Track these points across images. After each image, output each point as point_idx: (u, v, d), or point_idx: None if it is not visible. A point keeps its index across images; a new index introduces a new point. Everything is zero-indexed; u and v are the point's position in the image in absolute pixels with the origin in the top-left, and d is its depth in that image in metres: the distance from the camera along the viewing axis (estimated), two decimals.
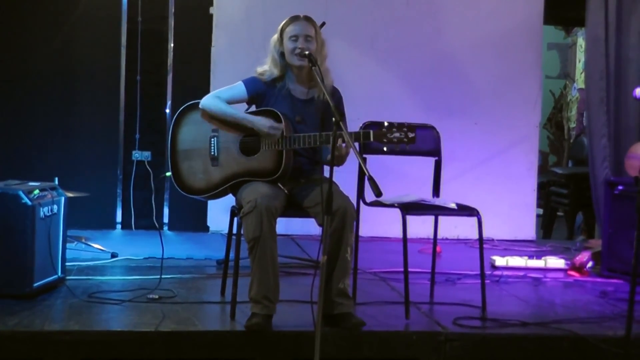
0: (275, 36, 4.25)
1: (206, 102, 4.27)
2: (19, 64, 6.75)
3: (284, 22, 4.24)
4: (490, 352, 4.05)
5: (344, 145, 3.94)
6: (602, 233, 5.98)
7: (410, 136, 3.95)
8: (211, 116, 4.26)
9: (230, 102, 4.27)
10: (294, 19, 4.22)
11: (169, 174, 4.34)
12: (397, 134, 3.94)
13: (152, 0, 6.88)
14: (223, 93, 4.30)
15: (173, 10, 6.91)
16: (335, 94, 4.29)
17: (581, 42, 9.92)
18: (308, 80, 4.27)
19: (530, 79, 7.26)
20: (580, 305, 4.78)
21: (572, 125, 10.40)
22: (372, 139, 3.97)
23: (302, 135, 4.07)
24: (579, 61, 10.20)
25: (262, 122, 4.13)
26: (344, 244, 3.96)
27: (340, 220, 3.92)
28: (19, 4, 6.73)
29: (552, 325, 4.23)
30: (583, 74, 8.66)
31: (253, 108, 4.32)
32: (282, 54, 4.22)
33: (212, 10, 6.88)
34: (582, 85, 9.49)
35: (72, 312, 4.12)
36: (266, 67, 4.27)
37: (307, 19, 4.23)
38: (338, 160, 4.01)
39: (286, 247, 5.92)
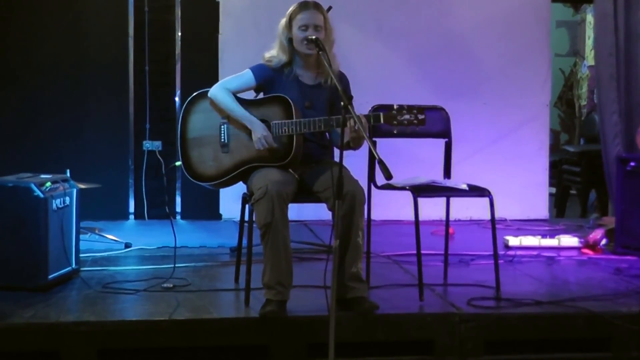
0: (284, 21, 4.21)
1: (214, 92, 4.26)
2: (26, 57, 6.77)
3: (293, 9, 4.19)
4: (505, 332, 4.05)
5: (356, 127, 3.91)
6: (615, 210, 5.96)
7: (420, 118, 3.94)
8: (219, 106, 4.27)
9: (238, 90, 4.26)
10: (304, 6, 4.17)
11: (178, 163, 4.34)
12: (407, 116, 3.93)
13: None
14: (231, 82, 4.28)
15: None
16: (343, 79, 4.27)
17: (590, 18, 9.86)
18: (316, 66, 4.25)
19: (539, 58, 7.23)
20: (595, 282, 4.77)
21: (583, 102, 10.36)
22: (382, 122, 3.96)
23: (311, 120, 4.06)
24: (589, 38, 10.14)
25: (259, 130, 4.11)
26: (355, 228, 3.96)
27: (349, 205, 3.92)
28: None
29: (567, 303, 4.22)
30: (593, 51, 8.61)
31: (262, 95, 4.32)
32: (290, 40, 4.20)
33: None
34: (592, 63, 9.44)
35: (87, 303, 4.15)
36: (274, 53, 4.25)
37: (316, 6, 4.18)
38: (356, 141, 4.01)
39: (299, 233, 5.93)
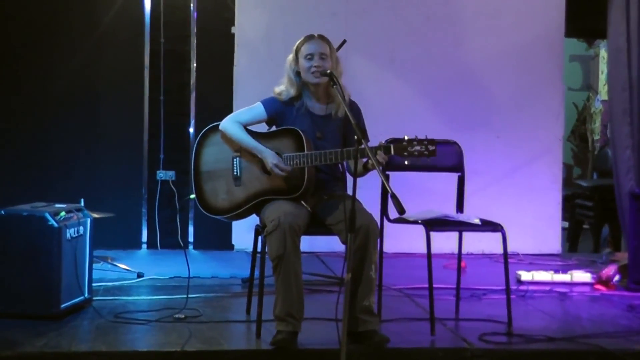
0: (291, 56, 4.28)
1: (224, 125, 4.31)
2: (42, 86, 6.83)
3: (298, 42, 4.27)
4: None
5: (364, 160, 3.98)
6: (627, 246, 5.93)
7: (430, 149, 3.94)
8: (230, 138, 4.30)
9: (249, 123, 4.30)
10: (309, 38, 4.25)
11: (193, 196, 4.37)
12: (417, 147, 3.94)
13: (174, 21, 6.95)
14: (242, 115, 4.33)
15: (195, 30, 6.97)
16: (354, 108, 4.31)
17: (604, 53, 9.88)
18: (326, 97, 4.30)
19: (552, 91, 7.24)
20: (607, 319, 4.75)
21: (596, 137, 10.35)
22: (392, 153, 3.96)
23: (324, 152, 4.08)
24: (602, 73, 10.15)
25: (271, 158, 4.15)
26: (368, 262, 3.97)
27: (363, 238, 3.93)
28: (42, 25, 6.81)
29: (579, 340, 4.20)
30: (606, 86, 8.62)
31: (274, 128, 4.35)
32: (297, 73, 4.25)
33: (233, 29, 6.93)
34: (605, 97, 9.45)
35: (99, 332, 4.15)
36: (283, 87, 4.31)
37: (322, 37, 4.26)
38: (368, 171, 4.09)
39: (311, 265, 5.92)
